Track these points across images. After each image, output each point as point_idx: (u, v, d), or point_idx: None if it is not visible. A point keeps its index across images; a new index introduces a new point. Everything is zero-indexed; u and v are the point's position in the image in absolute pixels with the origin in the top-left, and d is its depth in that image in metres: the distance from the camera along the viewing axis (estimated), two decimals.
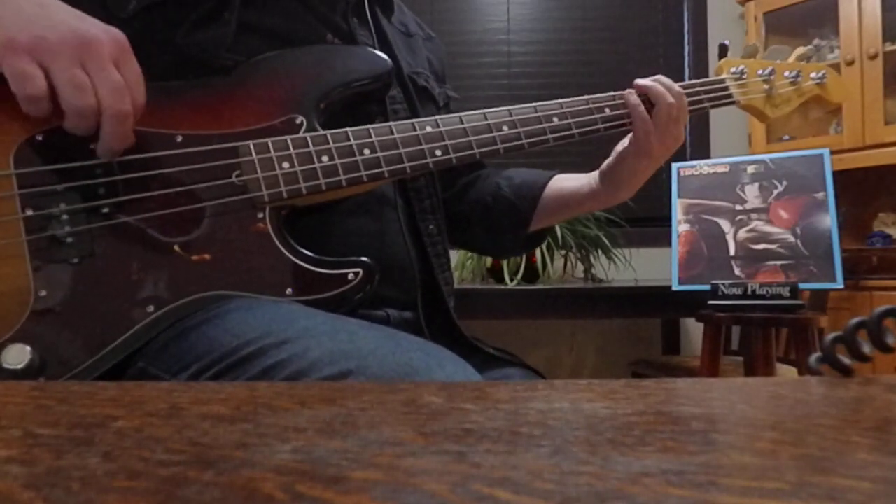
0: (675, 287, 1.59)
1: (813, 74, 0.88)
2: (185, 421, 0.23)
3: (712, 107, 0.82)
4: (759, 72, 0.86)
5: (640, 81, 0.77)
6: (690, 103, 0.79)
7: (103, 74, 0.51)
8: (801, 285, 1.45)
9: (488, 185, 0.89)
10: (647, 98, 0.77)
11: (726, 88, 0.83)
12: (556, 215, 0.89)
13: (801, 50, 0.90)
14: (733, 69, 0.85)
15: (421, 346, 0.52)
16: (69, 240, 0.53)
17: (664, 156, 0.78)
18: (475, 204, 0.89)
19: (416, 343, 0.52)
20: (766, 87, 0.86)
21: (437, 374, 0.48)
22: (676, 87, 0.78)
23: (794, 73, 0.87)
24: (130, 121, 0.53)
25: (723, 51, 0.87)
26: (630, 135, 0.78)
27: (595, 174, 0.84)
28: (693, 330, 2.50)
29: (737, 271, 1.55)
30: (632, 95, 0.76)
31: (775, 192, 1.57)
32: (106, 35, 0.52)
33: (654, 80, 0.77)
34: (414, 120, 0.65)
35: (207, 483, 0.17)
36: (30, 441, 0.21)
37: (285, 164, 0.59)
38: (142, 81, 0.54)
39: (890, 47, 2.20)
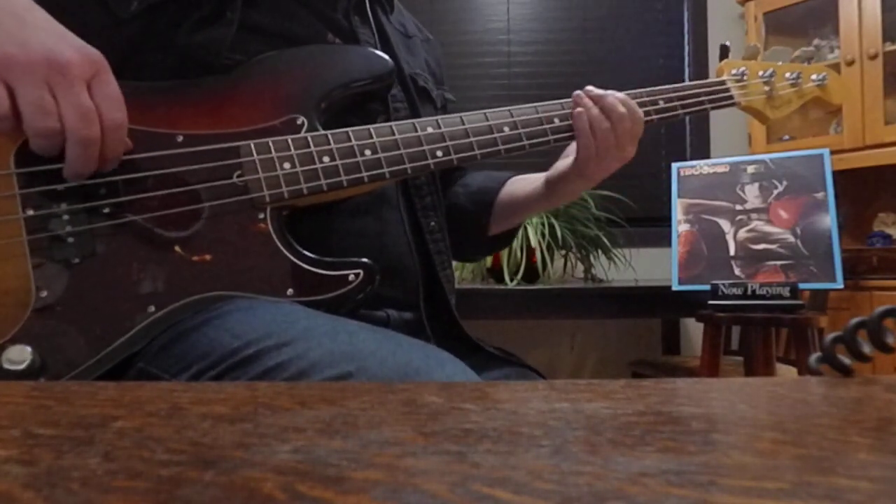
0: (675, 287, 1.59)
1: (813, 76, 0.89)
2: (185, 421, 0.23)
3: (713, 108, 0.82)
4: (760, 73, 0.86)
5: (591, 89, 0.73)
6: (692, 104, 0.79)
7: (70, 98, 0.50)
8: (801, 285, 1.45)
9: (451, 193, 0.89)
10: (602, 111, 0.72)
11: (727, 90, 0.84)
12: (511, 218, 0.88)
13: (801, 51, 0.90)
14: (734, 70, 0.85)
15: (421, 348, 0.52)
16: (70, 239, 0.53)
17: (602, 177, 0.77)
18: None
19: (415, 344, 0.52)
20: (766, 88, 0.86)
21: (437, 375, 0.48)
22: (632, 101, 0.74)
23: (794, 75, 0.87)
24: (96, 147, 0.52)
25: (724, 52, 0.87)
26: (572, 148, 0.76)
27: (543, 179, 0.83)
28: (693, 330, 2.50)
29: (737, 271, 1.55)
30: (581, 119, 0.72)
31: (775, 192, 1.57)
32: (79, 56, 0.51)
33: (606, 94, 0.73)
34: (415, 120, 0.65)
35: (207, 483, 0.17)
36: (30, 441, 0.21)
37: (286, 165, 0.59)
38: (120, 100, 0.53)
39: (890, 47, 2.20)
